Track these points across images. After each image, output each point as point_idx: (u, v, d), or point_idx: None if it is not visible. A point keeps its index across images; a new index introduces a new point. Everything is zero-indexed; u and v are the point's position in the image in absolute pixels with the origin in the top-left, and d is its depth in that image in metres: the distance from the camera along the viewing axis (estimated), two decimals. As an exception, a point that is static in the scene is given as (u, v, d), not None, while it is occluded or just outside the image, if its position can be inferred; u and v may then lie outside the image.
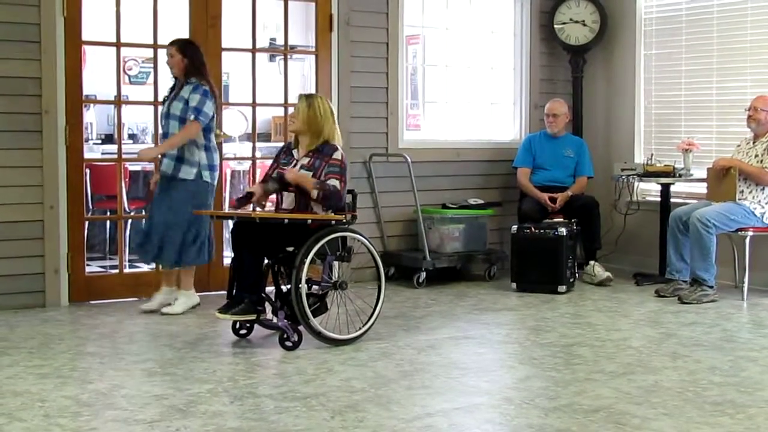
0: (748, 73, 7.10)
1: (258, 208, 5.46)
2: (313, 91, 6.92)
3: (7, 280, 6.08)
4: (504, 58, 8.11)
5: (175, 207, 5.92)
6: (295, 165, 5.32)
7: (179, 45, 6.04)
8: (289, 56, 7.40)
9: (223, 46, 6.78)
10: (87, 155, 7.13)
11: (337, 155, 5.28)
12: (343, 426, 3.78)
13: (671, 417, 3.91)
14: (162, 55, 6.71)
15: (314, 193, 5.15)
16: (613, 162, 7.69)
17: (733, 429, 3.77)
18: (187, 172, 5.94)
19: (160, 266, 6.34)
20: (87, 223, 7.00)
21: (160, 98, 6.75)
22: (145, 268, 7.60)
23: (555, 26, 7.98)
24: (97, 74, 7.92)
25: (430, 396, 4.23)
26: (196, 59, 6.03)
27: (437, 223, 7.26)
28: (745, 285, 6.54)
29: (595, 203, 7.32)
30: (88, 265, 6.74)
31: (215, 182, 6.09)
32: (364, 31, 7.20)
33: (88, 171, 7.39)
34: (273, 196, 5.53)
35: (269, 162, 5.69)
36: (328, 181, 5.18)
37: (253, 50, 7.00)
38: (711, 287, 6.44)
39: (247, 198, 5.41)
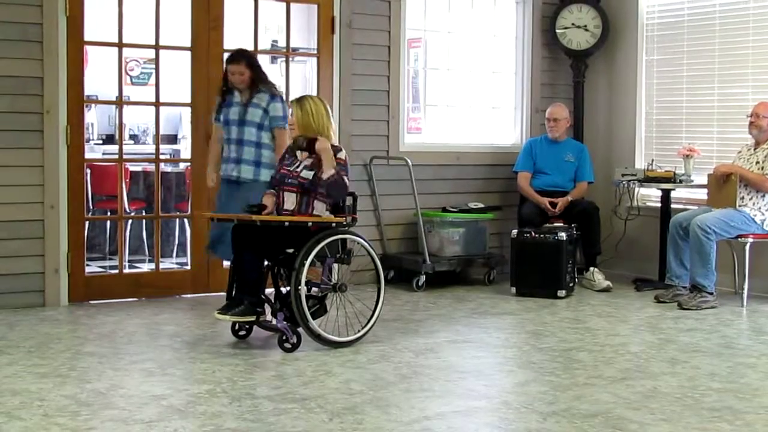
0: (749, 80, 7.11)
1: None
2: (314, 93, 6.91)
3: (6, 279, 6.08)
4: (505, 62, 8.12)
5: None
6: (298, 165, 5.33)
7: (246, 61, 6.00)
8: (290, 58, 7.40)
9: (225, 47, 6.77)
10: (88, 155, 7.15)
11: (341, 155, 5.29)
12: (341, 428, 3.78)
13: (669, 423, 3.91)
14: (163, 55, 6.73)
15: (329, 173, 5.15)
16: (614, 167, 7.69)
17: (731, 435, 3.78)
18: (266, 175, 5.89)
19: None
20: (87, 223, 7.00)
21: (162, 99, 6.77)
22: (144, 268, 7.63)
23: (557, 31, 7.98)
24: (99, 74, 7.95)
25: (429, 399, 4.23)
26: (258, 68, 6.08)
27: (437, 227, 7.26)
28: (745, 291, 6.53)
29: (596, 208, 7.32)
30: (87, 265, 6.74)
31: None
32: (365, 34, 7.21)
33: (88, 171, 7.40)
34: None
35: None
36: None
37: (255, 52, 6.99)
38: (710, 293, 6.44)
39: (259, 209, 5.33)
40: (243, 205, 5.56)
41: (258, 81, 6.03)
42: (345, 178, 5.22)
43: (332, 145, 5.33)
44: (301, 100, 5.39)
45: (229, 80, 6.04)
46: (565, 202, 7.28)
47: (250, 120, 6.00)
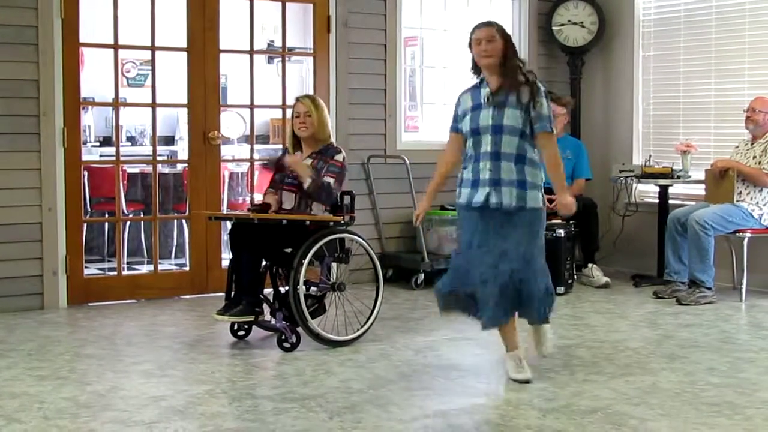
0: (746, 75, 7.10)
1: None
2: (311, 92, 6.91)
3: (5, 282, 6.07)
4: (502, 60, 8.10)
5: None
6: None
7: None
8: (287, 58, 7.41)
9: (221, 48, 6.77)
10: (85, 157, 7.14)
11: (339, 157, 5.30)
12: (341, 427, 3.78)
13: (669, 418, 3.91)
14: (159, 57, 6.72)
15: (307, 182, 5.14)
16: (612, 163, 7.69)
17: (730, 430, 3.78)
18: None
19: None
20: (85, 225, 6.99)
21: (159, 100, 6.75)
22: (143, 270, 7.61)
23: (553, 28, 7.98)
24: (95, 76, 7.93)
25: (428, 397, 4.23)
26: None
27: (435, 225, 7.25)
28: (743, 286, 6.54)
29: (594, 205, 7.32)
30: (86, 267, 6.74)
31: (466, 201, 4.53)
32: (362, 33, 7.21)
33: (86, 173, 7.40)
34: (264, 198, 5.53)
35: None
36: (323, 177, 5.20)
37: (251, 52, 7.00)
38: (709, 289, 6.44)
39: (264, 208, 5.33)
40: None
41: None
42: (329, 181, 5.20)
43: (332, 146, 5.34)
44: (314, 99, 5.40)
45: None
46: (563, 199, 7.26)
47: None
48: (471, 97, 4.54)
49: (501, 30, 4.54)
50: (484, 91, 4.48)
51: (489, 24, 4.58)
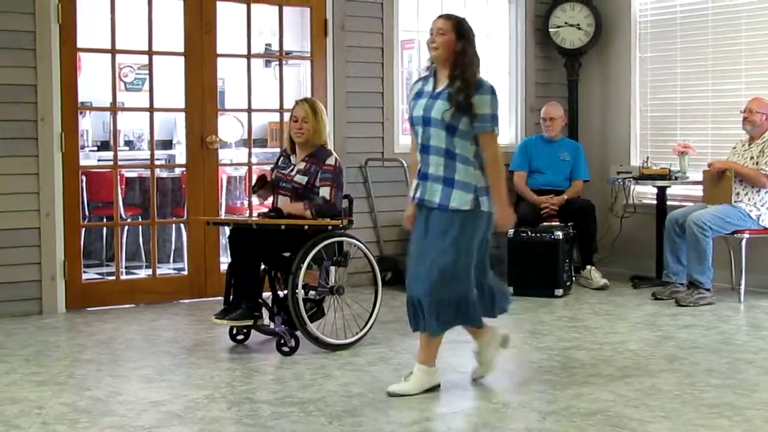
0: (743, 75, 7.11)
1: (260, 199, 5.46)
2: (308, 96, 6.90)
3: (3, 287, 6.06)
4: (499, 62, 8.12)
5: None
6: (292, 170, 5.33)
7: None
8: (284, 62, 7.40)
9: (219, 52, 6.78)
10: (83, 162, 7.14)
11: (331, 161, 5.29)
12: (341, 431, 3.78)
13: (669, 420, 3.91)
14: (157, 61, 6.72)
15: (308, 214, 5.18)
16: (609, 165, 7.70)
17: (730, 431, 3.77)
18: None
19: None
20: (83, 230, 6.98)
21: (156, 105, 6.74)
22: (141, 274, 7.60)
23: (550, 30, 7.99)
24: (93, 81, 7.93)
25: (428, 400, 4.23)
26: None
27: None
28: (742, 287, 6.54)
29: (592, 206, 7.32)
30: (84, 272, 6.73)
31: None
32: (359, 36, 7.21)
33: (84, 178, 7.39)
34: (269, 201, 5.54)
35: (265, 167, 5.70)
36: (318, 192, 5.22)
37: (249, 56, 7.00)
38: (708, 290, 6.44)
39: (262, 181, 5.37)
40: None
41: None
42: (323, 195, 5.21)
43: (323, 148, 5.34)
44: (312, 103, 5.39)
45: None
46: (561, 201, 7.28)
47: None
48: (418, 85, 4.45)
49: (458, 26, 4.40)
50: (430, 83, 4.38)
51: (447, 17, 4.45)
